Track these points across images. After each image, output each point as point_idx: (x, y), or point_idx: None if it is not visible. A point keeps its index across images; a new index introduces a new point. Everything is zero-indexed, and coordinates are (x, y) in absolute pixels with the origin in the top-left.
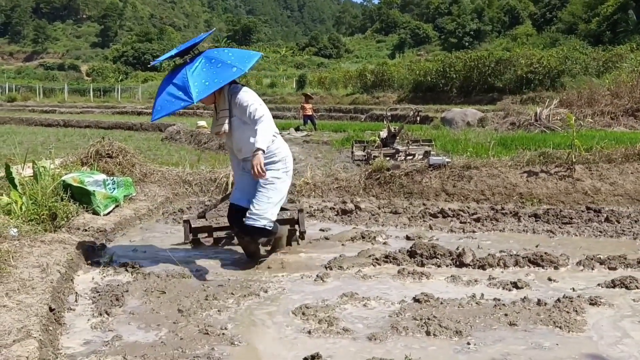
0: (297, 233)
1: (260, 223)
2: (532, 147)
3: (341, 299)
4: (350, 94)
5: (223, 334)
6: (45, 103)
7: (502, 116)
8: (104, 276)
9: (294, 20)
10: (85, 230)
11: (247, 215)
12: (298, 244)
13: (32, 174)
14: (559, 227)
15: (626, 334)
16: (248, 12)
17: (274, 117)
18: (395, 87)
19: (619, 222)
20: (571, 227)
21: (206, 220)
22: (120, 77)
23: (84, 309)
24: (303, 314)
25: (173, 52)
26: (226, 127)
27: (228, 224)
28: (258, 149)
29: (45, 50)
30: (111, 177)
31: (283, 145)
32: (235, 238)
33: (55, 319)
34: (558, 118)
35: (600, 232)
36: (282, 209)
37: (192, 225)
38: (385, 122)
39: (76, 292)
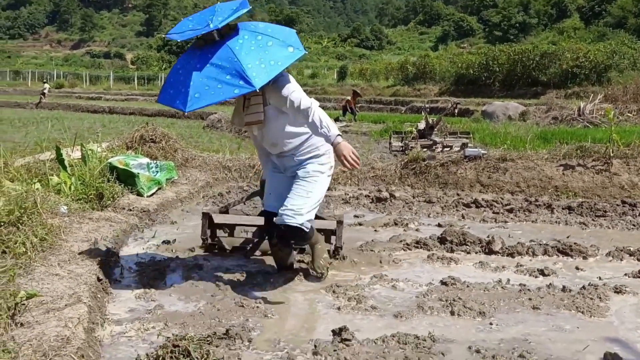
0: (332, 247)
1: (295, 221)
2: (572, 141)
3: (371, 279)
4: (391, 85)
5: (257, 307)
6: (91, 90)
7: (544, 110)
8: (148, 252)
9: (337, 11)
10: (130, 210)
11: (280, 212)
12: (334, 258)
13: (80, 157)
14: (592, 220)
15: None
16: (290, 3)
17: None
18: (436, 79)
19: None
20: (604, 220)
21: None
22: (164, 66)
23: (129, 281)
24: (333, 292)
25: (200, 27)
26: (262, 116)
27: (254, 222)
28: (337, 137)
29: (91, 39)
30: (154, 161)
31: None
32: (255, 246)
33: (102, 288)
34: (602, 113)
35: (634, 225)
36: (317, 217)
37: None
38: (423, 114)
39: (121, 265)
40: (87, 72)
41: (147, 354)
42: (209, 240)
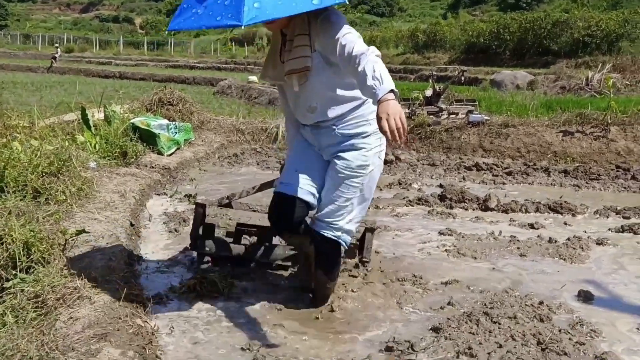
0: (356, 258)
1: (332, 234)
2: (575, 109)
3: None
4: (401, 53)
5: None
6: (101, 55)
7: (553, 80)
8: (172, 204)
9: None
10: (152, 167)
11: (317, 218)
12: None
13: (103, 117)
14: (586, 183)
15: (622, 267)
16: None
17: None
18: (447, 47)
19: None
20: (598, 182)
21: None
22: (173, 32)
23: (157, 227)
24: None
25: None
26: (310, 61)
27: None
28: (388, 91)
29: (100, 2)
30: (173, 122)
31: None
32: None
33: (135, 232)
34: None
35: (625, 188)
36: None
37: (207, 216)
38: (430, 82)
39: (150, 214)
40: (96, 37)
41: (179, 284)
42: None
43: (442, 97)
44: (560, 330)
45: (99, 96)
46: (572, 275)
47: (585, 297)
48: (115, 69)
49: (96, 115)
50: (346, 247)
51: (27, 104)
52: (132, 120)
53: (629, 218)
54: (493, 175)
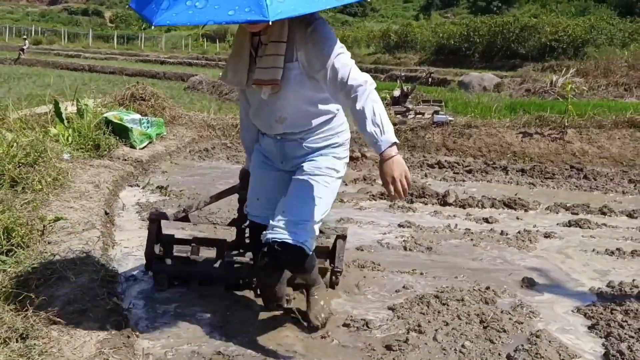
0: (328, 273)
1: (295, 238)
2: (537, 112)
3: (338, 222)
4: (372, 53)
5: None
6: (69, 48)
7: (519, 82)
8: (144, 195)
9: None
10: (125, 160)
11: (273, 223)
12: (331, 287)
13: (76, 111)
14: (541, 181)
15: (567, 257)
16: None
17: None
18: (417, 48)
19: (595, 179)
20: (552, 181)
21: (189, 223)
22: (143, 26)
23: (130, 216)
24: None
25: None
26: (279, 74)
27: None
28: (392, 144)
29: None
30: (145, 117)
31: (347, 121)
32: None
33: (109, 220)
34: (573, 86)
35: (577, 186)
36: None
37: (163, 231)
38: (398, 82)
39: (123, 204)
40: (65, 29)
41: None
42: (156, 266)
43: (410, 97)
44: (502, 312)
45: (69, 89)
46: (519, 263)
47: (528, 283)
48: (85, 62)
49: (69, 108)
50: (309, 253)
51: None
52: (105, 114)
53: (577, 214)
54: (454, 172)
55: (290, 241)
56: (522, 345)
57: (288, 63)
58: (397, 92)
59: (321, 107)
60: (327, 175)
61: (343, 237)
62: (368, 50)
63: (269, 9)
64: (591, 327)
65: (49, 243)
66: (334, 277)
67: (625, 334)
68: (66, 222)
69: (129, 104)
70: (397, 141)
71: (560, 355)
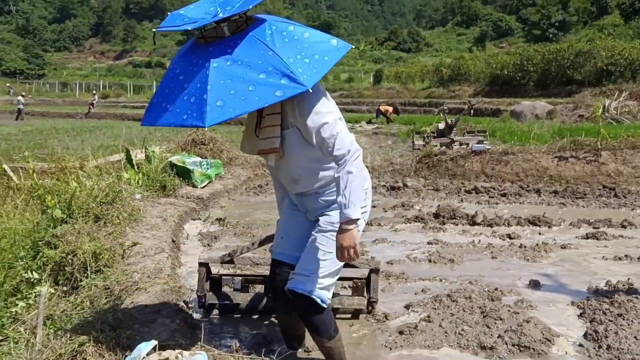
0: (365, 302)
1: (304, 288)
2: (584, 137)
3: (374, 242)
4: (426, 87)
5: None
6: (135, 99)
7: (571, 109)
8: (205, 226)
9: (374, 14)
10: (188, 197)
11: (291, 275)
12: (368, 313)
13: (144, 157)
14: (572, 201)
15: (575, 264)
16: (328, 8)
17: (349, 111)
18: (471, 80)
19: (625, 197)
20: (583, 200)
21: (234, 265)
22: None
23: (193, 243)
24: None
25: (201, 17)
26: (277, 142)
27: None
28: (350, 220)
29: (133, 49)
30: (205, 160)
31: (365, 171)
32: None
33: (176, 246)
34: (626, 110)
35: (606, 204)
36: (348, 265)
37: (213, 273)
38: (442, 115)
39: (187, 234)
40: (130, 82)
41: None
42: (209, 299)
43: (454, 129)
44: (503, 306)
45: (137, 138)
46: (530, 270)
47: (534, 284)
48: None
49: (139, 155)
50: (323, 305)
51: (71, 148)
52: (169, 159)
53: (598, 228)
54: (489, 196)
55: (297, 290)
56: (511, 327)
57: (285, 130)
58: (441, 125)
59: (327, 164)
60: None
61: (376, 271)
62: (422, 85)
63: (207, 116)
64: (579, 316)
65: (128, 264)
66: (369, 306)
67: (606, 318)
68: (141, 248)
69: (191, 148)
70: (358, 217)
71: (543, 334)
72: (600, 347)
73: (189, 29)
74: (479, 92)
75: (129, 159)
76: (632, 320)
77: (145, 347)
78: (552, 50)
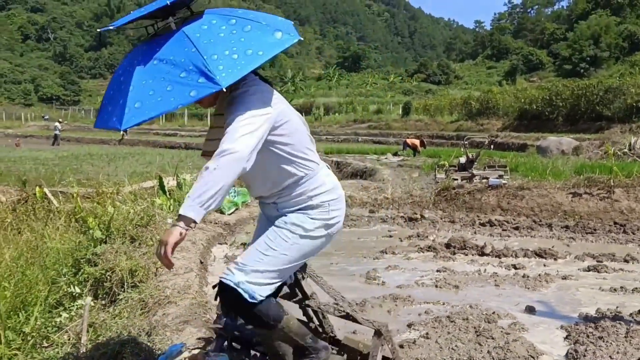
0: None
1: (229, 278)
2: (602, 174)
3: (386, 269)
4: (454, 121)
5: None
6: (167, 127)
7: (598, 145)
8: (231, 250)
9: (404, 46)
10: (216, 223)
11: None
12: None
13: (176, 184)
14: (582, 235)
15: (572, 294)
16: (359, 39)
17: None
18: (500, 114)
19: (634, 234)
20: (592, 235)
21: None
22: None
23: (219, 265)
24: (359, 275)
25: (145, 9)
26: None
27: None
28: (180, 215)
29: None
30: (233, 188)
31: (329, 181)
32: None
33: (203, 267)
34: None
35: (614, 240)
36: (350, 318)
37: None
38: (462, 149)
39: (214, 256)
40: None
41: None
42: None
43: (475, 163)
44: (496, 327)
45: (169, 165)
46: (529, 297)
47: (529, 310)
48: (181, 139)
49: (170, 182)
50: (251, 301)
51: (105, 173)
52: None
53: (601, 262)
54: (502, 229)
55: (224, 280)
56: (499, 344)
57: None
58: (463, 159)
59: (282, 170)
60: (289, 230)
61: (379, 334)
62: (451, 118)
63: (124, 119)
64: (565, 337)
65: (160, 280)
66: None
67: (588, 340)
68: (172, 268)
69: None
70: (189, 216)
71: (528, 352)
72: None
73: (134, 18)
74: (508, 126)
75: (161, 186)
76: (610, 342)
77: (175, 348)
78: (582, 86)
